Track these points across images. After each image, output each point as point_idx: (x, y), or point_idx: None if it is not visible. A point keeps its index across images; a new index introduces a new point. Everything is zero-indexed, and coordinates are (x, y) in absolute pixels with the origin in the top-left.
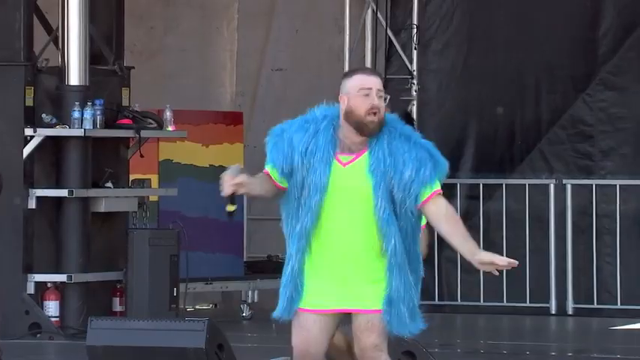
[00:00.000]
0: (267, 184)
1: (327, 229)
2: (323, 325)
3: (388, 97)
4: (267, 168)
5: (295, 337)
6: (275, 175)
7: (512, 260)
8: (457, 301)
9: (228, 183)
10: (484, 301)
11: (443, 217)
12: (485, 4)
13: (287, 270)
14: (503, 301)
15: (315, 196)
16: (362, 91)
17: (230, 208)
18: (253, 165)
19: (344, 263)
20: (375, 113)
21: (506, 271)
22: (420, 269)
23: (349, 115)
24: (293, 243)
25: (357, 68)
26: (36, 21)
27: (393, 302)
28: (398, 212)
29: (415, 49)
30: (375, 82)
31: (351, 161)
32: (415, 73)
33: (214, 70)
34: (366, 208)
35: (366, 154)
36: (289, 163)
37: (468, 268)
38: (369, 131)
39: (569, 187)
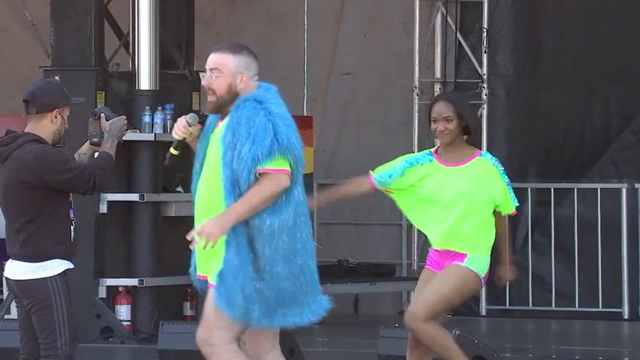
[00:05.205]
0: None
1: (196, 198)
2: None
3: (218, 74)
4: None
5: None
6: None
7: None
8: (528, 306)
9: (182, 127)
10: (555, 306)
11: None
12: (554, 10)
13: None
14: (575, 306)
15: (196, 165)
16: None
17: (174, 151)
18: (321, 168)
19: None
20: (211, 93)
21: (579, 276)
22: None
23: None
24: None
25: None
26: (107, 26)
27: (224, 277)
28: (240, 185)
29: (485, 52)
30: (209, 61)
31: (216, 128)
32: (485, 77)
33: (281, 76)
34: (216, 176)
35: (223, 121)
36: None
37: (540, 274)
38: (209, 111)
39: None
